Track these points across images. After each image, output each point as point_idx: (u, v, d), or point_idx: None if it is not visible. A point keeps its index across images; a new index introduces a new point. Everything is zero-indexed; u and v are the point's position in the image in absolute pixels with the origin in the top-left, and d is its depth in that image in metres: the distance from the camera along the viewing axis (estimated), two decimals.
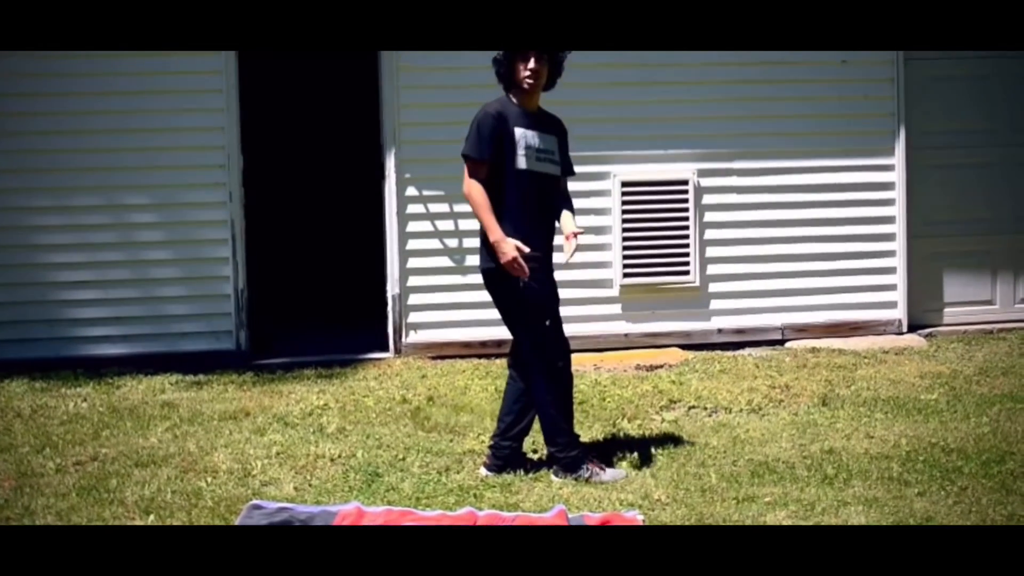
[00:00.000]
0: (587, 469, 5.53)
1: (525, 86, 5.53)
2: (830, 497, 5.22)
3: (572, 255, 5.58)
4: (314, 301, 10.54)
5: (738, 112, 8.60)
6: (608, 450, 6.00)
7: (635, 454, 5.91)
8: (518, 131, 5.51)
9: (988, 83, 9.04)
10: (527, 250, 5.42)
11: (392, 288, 8.34)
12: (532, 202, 5.53)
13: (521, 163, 5.52)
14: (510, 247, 5.39)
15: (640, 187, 8.47)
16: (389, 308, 8.37)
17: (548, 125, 5.68)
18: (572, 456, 5.56)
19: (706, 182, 8.58)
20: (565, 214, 5.71)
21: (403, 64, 8.23)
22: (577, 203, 8.30)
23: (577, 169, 7.93)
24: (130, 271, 8.10)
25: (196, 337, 8.16)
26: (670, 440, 6.16)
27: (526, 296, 5.50)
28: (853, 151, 8.75)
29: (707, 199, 8.59)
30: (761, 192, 8.66)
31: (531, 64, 5.49)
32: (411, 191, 8.28)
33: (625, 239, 8.45)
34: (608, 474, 5.55)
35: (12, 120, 7.97)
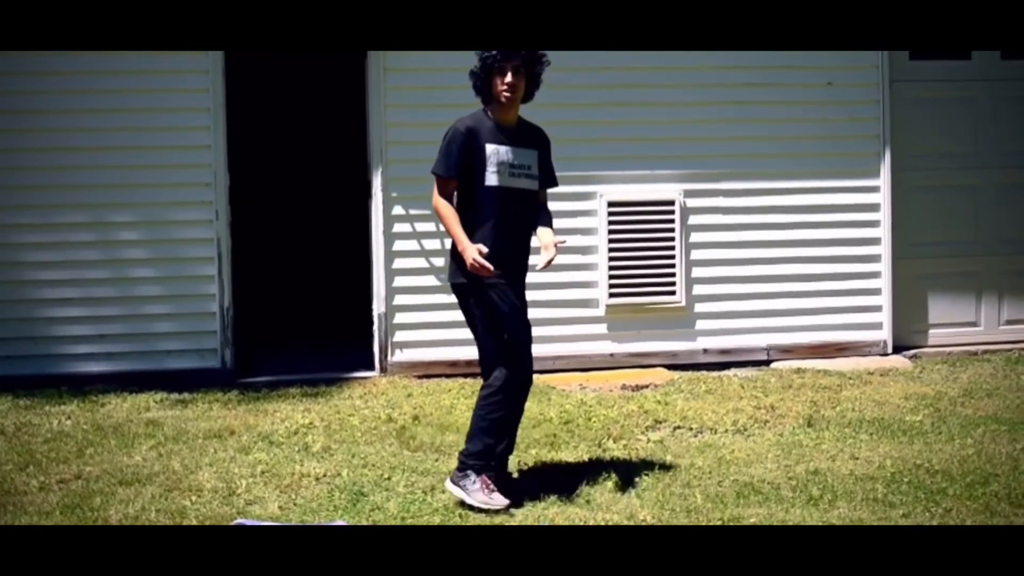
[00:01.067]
0: (473, 481, 5.43)
1: (502, 100, 5.51)
2: (815, 518, 5.23)
3: (548, 264, 5.53)
4: (300, 319, 10.52)
5: (725, 133, 8.62)
6: (593, 470, 5.99)
7: (620, 474, 5.90)
8: (489, 147, 5.48)
9: (973, 105, 9.09)
10: (486, 250, 5.39)
11: (378, 306, 8.33)
12: (503, 218, 5.49)
13: (491, 180, 5.49)
14: (472, 250, 5.38)
15: (626, 207, 8.48)
16: (375, 327, 8.36)
17: (526, 138, 5.63)
18: (471, 464, 5.47)
19: (692, 202, 8.59)
20: (542, 229, 5.66)
21: (390, 85, 8.24)
22: (563, 222, 8.43)
23: (563, 189, 7.92)
24: (115, 289, 8.07)
25: (181, 355, 8.14)
26: (655, 460, 6.16)
27: (493, 310, 5.50)
28: (839, 172, 8.78)
29: (693, 219, 8.61)
30: (747, 213, 8.69)
31: (508, 78, 5.46)
32: (398, 210, 8.28)
33: (611, 259, 8.46)
34: (486, 497, 5.37)
35: None
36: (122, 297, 8.08)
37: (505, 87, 5.48)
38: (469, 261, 5.38)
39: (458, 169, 5.51)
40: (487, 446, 5.51)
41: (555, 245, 5.56)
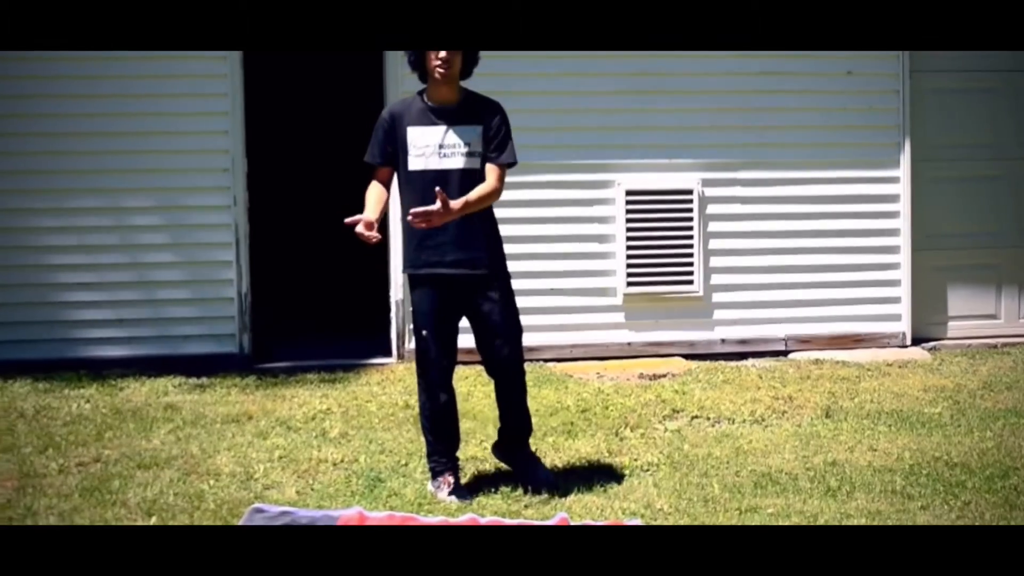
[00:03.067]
0: (437, 484, 5.43)
1: (437, 75, 5.35)
2: (833, 509, 5.21)
3: (415, 216, 5.20)
4: (317, 305, 10.53)
5: (743, 123, 8.60)
6: (610, 459, 5.99)
7: (638, 463, 5.90)
8: (412, 130, 5.37)
9: (994, 96, 9.04)
10: (371, 218, 5.24)
11: (396, 293, 8.34)
12: (430, 202, 5.25)
13: (413, 164, 5.38)
14: (359, 224, 5.23)
15: (644, 196, 8.46)
16: (392, 313, 8.37)
17: (466, 115, 5.40)
18: (429, 467, 5.53)
19: (710, 192, 8.58)
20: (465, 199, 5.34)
21: (407, 72, 8.19)
22: (581, 211, 8.48)
23: (581, 177, 7.91)
24: (133, 274, 8.09)
25: (199, 340, 8.16)
26: (673, 450, 6.15)
27: (414, 303, 5.50)
28: (858, 163, 8.75)
29: (711, 209, 8.59)
30: (766, 203, 8.66)
31: (441, 53, 5.31)
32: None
33: (629, 248, 8.44)
34: (443, 492, 5.39)
35: (15, 122, 7.96)
36: (140, 282, 8.10)
37: (439, 63, 5.32)
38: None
39: (383, 156, 5.45)
40: (428, 443, 5.54)
41: (440, 209, 5.16)
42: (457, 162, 5.37)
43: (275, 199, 10.39)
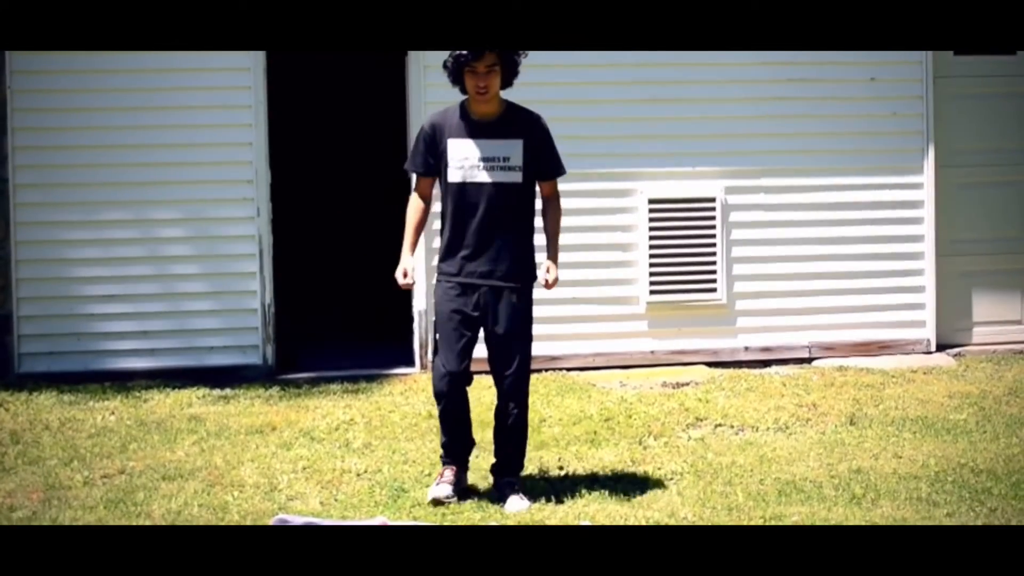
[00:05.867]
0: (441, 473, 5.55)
1: (477, 98, 5.41)
2: (858, 517, 5.19)
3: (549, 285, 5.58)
4: (340, 316, 10.55)
5: (766, 129, 8.58)
6: (634, 467, 5.98)
7: (661, 472, 5.89)
8: (452, 143, 5.42)
9: (1018, 101, 8.98)
10: (412, 280, 5.55)
11: (418, 303, 8.35)
12: (467, 215, 5.41)
13: (453, 176, 5.43)
14: (400, 267, 5.53)
15: (667, 204, 8.45)
16: (415, 323, 8.38)
17: (507, 128, 5.45)
18: (440, 457, 5.66)
19: (733, 199, 8.56)
20: (550, 251, 5.63)
21: (430, 82, 8.23)
22: (603, 219, 8.47)
23: (603, 185, 7.91)
24: (158, 285, 8.13)
25: (223, 351, 8.19)
26: (696, 458, 6.14)
27: (436, 306, 5.58)
28: (881, 169, 8.71)
29: (734, 216, 8.57)
30: (789, 210, 8.63)
31: (479, 81, 5.35)
32: (437, 207, 8.26)
33: (652, 256, 8.43)
34: (433, 486, 5.49)
35: (40, 135, 8.01)
36: (165, 294, 8.14)
37: (478, 87, 5.37)
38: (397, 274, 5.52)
39: (425, 166, 5.52)
40: (442, 442, 5.64)
41: (548, 282, 5.57)
42: (497, 176, 5.44)
43: (299, 209, 10.42)
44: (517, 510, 5.34)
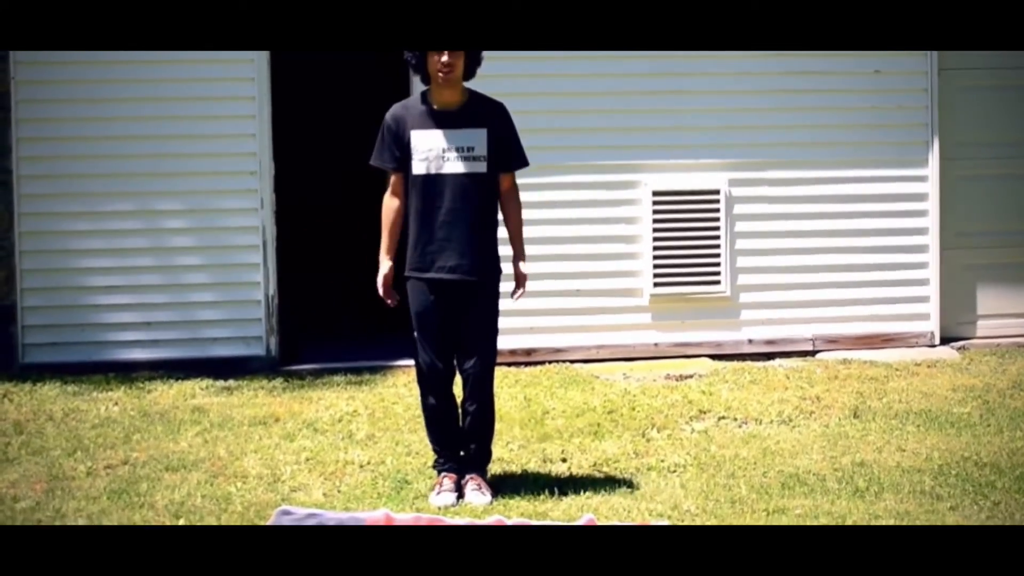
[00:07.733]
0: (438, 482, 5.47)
1: (439, 80, 5.29)
2: (861, 510, 5.19)
3: (517, 296, 5.52)
4: (344, 308, 10.54)
5: (770, 122, 8.56)
6: (637, 459, 5.98)
7: (664, 464, 5.89)
8: (415, 133, 5.30)
9: (1023, 94, 8.96)
10: (392, 293, 5.49)
11: None
12: (432, 207, 5.30)
13: (418, 168, 5.31)
14: (380, 273, 5.47)
15: (671, 196, 8.44)
16: None
17: (471, 118, 5.33)
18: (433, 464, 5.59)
19: (738, 192, 8.55)
20: (516, 262, 5.52)
21: None
22: (607, 211, 8.47)
23: (607, 178, 7.88)
24: (161, 276, 8.14)
25: (226, 343, 8.19)
26: (700, 450, 6.14)
27: (411, 306, 5.49)
28: (886, 161, 8.70)
29: (739, 209, 8.56)
30: (793, 202, 8.62)
31: (444, 57, 5.23)
32: None
33: (656, 248, 8.42)
34: (432, 494, 5.40)
35: (44, 126, 8.01)
36: (168, 285, 8.14)
37: (441, 65, 5.24)
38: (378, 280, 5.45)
39: (393, 160, 5.38)
40: (433, 449, 5.56)
41: (522, 282, 5.50)
42: (461, 166, 5.31)
43: (302, 200, 10.41)
44: (479, 503, 5.30)
